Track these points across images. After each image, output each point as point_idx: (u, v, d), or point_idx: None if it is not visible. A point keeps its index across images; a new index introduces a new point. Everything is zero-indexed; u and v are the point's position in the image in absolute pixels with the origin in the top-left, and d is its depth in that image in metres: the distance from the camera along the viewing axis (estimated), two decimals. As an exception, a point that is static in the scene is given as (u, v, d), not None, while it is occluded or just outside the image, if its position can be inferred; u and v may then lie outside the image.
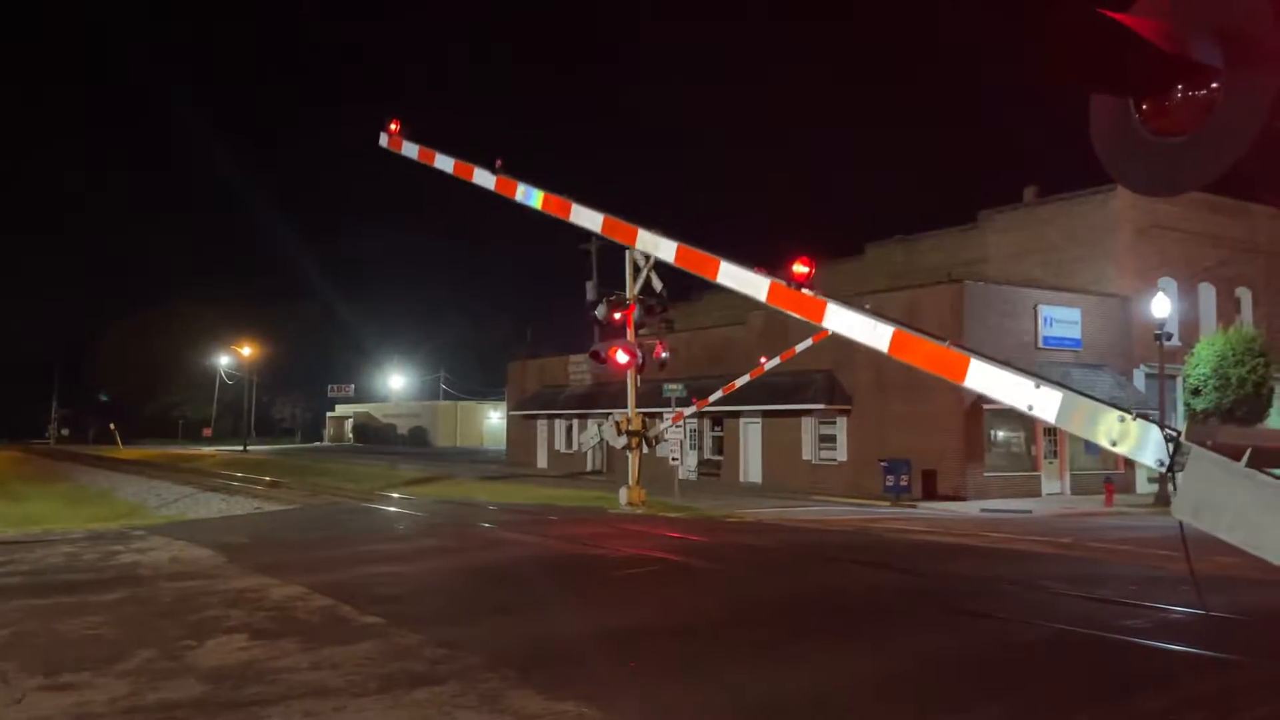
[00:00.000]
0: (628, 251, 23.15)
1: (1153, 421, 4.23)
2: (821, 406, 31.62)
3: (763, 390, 33.99)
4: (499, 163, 11.04)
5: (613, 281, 25.42)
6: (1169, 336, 27.57)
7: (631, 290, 22.46)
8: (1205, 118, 2.39)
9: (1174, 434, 4.07)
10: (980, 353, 5.47)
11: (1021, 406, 4.84)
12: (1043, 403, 4.74)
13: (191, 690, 6.14)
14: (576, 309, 24.51)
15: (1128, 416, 4.31)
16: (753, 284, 7.17)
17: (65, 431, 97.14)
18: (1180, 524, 4.04)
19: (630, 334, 22.03)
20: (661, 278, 22.68)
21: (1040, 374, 5.22)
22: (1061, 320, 30.58)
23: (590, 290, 23.19)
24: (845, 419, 31.45)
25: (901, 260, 40.03)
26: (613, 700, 5.93)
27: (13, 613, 8.74)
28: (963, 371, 5.13)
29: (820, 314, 6.21)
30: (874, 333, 5.80)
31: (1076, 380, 29.88)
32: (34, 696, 5.99)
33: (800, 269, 6.47)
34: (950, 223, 39.61)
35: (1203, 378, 30.58)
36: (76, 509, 27.36)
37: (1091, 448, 31.14)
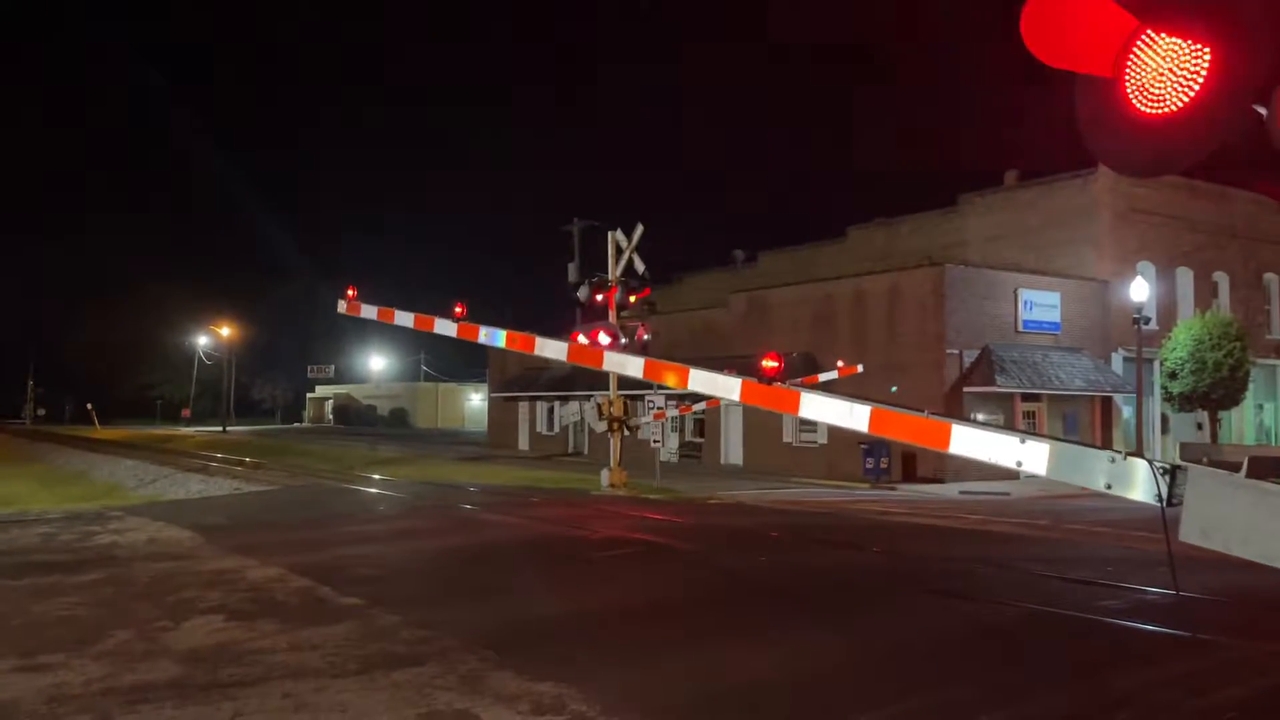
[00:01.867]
0: (610, 234, 23.12)
1: (1144, 458, 4.20)
2: (801, 388, 31.72)
3: (744, 372, 34.09)
4: (460, 310, 11.29)
5: (595, 264, 25.42)
6: (1147, 320, 27.79)
7: (613, 272, 22.43)
8: (1192, 98, 2.38)
9: (1167, 467, 4.04)
10: (960, 418, 5.48)
11: (1010, 464, 4.82)
12: (1030, 457, 4.71)
13: (168, 671, 6.10)
14: (558, 291, 24.44)
15: (1118, 456, 4.28)
16: (725, 386, 7.23)
17: (42, 412, 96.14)
18: (1161, 505, 4.02)
19: (612, 316, 22.01)
20: (644, 259, 22.67)
21: (1023, 430, 5.22)
22: (1041, 304, 30.75)
23: (572, 272, 23.17)
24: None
25: (883, 243, 40.10)
26: (592, 681, 5.94)
27: (-14, 594, 8.66)
28: (946, 438, 5.12)
29: (795, 405, 6.24)
30: (851, 415, 5.80)
31: (1055, 363, 30.11)
32: (8, 678, 5.93)
33: (770, 364, 6.49)
34: (931, 206, 39.70)
35: (1180, 361, 30.87)
36: (53, 489, 27.15)
37: (1070, 429, 31.44)
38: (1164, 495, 3.94)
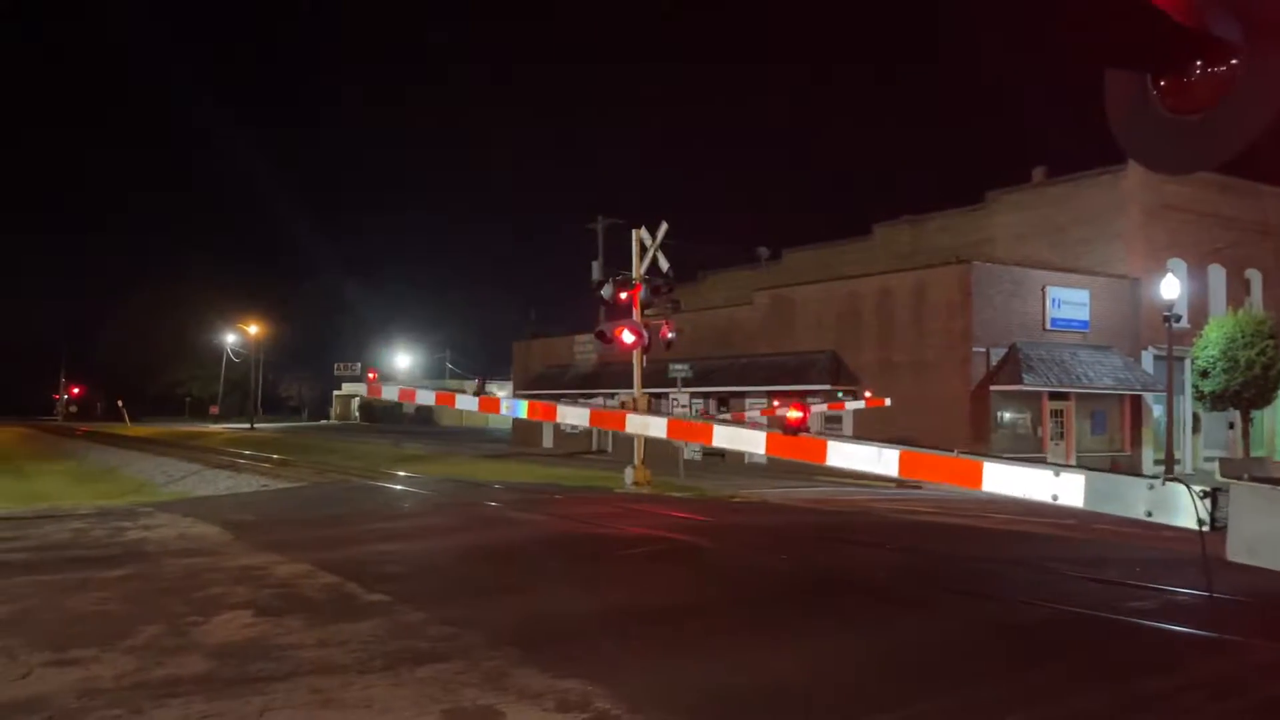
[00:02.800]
0: (634, 231, 23.12)
1: (1183, 482, 4.14)
2: (827, 387, 31.59)
3: (768, 371, 33.99)
4: (480, 381, 11.81)
5: (619, 261, 25.43)
6: (1178, 318, 27.47)
7: (637, 270, 22.43)
8: (1224, 94, 2.35)
9: (1207, 490, 3.97)
10: (991, 454, 5.45)
11: (1045, 498, 4.76)
12: (1066, 489, 4.65)
13: (197, 666, 6.16)
14: (582, 289, 24.47)
15: (1156, 483, 4.22)
16: (750, 440, 7.25)
17: (74, 408, 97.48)
18: (1202, 530, 3.95)
19: (636, 314, 22.00)
20: (668, 257, 22.66)
21: (1058, 463, 5.18)
22: (1069, 301, 30.45)
23: (596, 270, 23.13)
24: (851, 399, 31.47)
25: (909, 241, 39.85)
26: (616, 678, 5.95)
27: (19, 588, 8.79)
28: (978, 477, 5.07)
29: (823, 454, 6.24)
30: (880, 459, 5.79)
31: (1084, 361, 29.83)
32: (40, 672, 6.01)
33: (794, 414, 6.49)
34: (958, 204, 39.40)
35: (1211, 360, 30.47)
36: (84, 486, 27.49)
37: (1098, 428, 31.17)
38: (1206, 520, 3.88)
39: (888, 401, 25.53)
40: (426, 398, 13.58)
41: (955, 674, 6.46)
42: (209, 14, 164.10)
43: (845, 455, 6.17)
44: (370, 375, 14.10)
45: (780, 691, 5.99)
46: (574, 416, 9.91)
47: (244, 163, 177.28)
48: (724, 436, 7.50)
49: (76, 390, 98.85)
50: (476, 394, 11.49)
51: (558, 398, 47.12)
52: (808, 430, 6.48)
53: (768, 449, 6.77)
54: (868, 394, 27.00)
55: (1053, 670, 6.66)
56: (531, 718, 5.22)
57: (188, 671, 6.04)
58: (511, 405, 11.10)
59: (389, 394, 14.25)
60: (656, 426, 8.45)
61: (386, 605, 8.13)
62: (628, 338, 21.18)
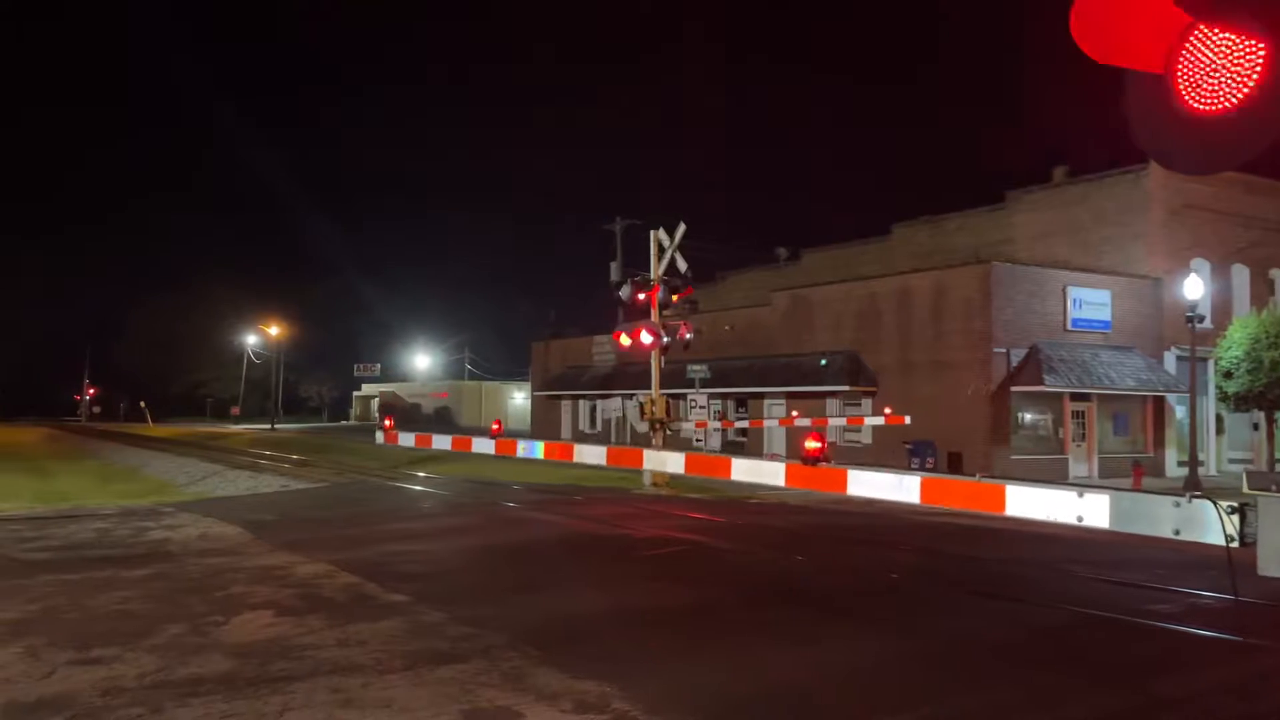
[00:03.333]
0: (652, 232, 23.13)
1: (1209, 499, 4.08)
2: (846, 388, 31.47)
3: (787, 371, 33.91)
4: (496, 428, 12.31)
5: (637, 262, 25.45)
6: (1201, 318, 27.18)
7: (656, 271, 22.42)
8: (1246, 94, 2.33)
9: (1235, 505, 3.93)
10: (1013, 478, 5.43)
11: (1070, 520, 4.72)
12: (1090, 510, 4.59)
13: (219, 666, 6.21)
14: (600, 290, 24.48)
15: (1183, 500, 4.17)
16: (770, 472, 7.35)
17: (97, 409, 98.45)
18: (1229, 546, 3.91)
19: (654, 315, 22.01)
20: (686, 258, 22.64)
21: (1080, 483, 5.16)
22: (1091, 302, 30.21)
23: (615, 271, 23.18)
24: (870, 400, 31.29)
25: (928, 241, 39.65)
26: (633, 679, 5.95)
27: (44, 587, 8.88)
28: (1001, 501, 5.04)
29: (843, 483, 6.28)
30: (901, 487, 5.80)
31: (1106, 361, 29.61)
32: (65, 670, 6.08)
33: (812, 445, 6.55)
34: (977, 203, 39.17)
35: (1235, 360, 30.14)
36: (107, 485, 27.70)
37: (1120, 429, 30.90)
38: (1235, 536, 3.84)
39: (908, 419, 25.58)
40: (443, 443, 14.15)
41: (975, 675, 6.43)
42: (232, 11, 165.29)
43: (866, 484, 6.22)
44: (387, 423, 14.91)
45: (799, 692, 5.98)
46: (592, 456, 10.10)
47: (265, 165, 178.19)
48: (744, 470, 7.59)
49: (99, 391, 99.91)
50: (494, 438, 12.02)
51: (576, 398, 47.19)
52: (827, 460, 6.52)
53: (788, 481, 6.85)
54: (888, 410, 26.99)
55: (1075, 672, 6.62)
56: (550, 718, 5.24)
57: (209, 671, 6.09)
58: (528, 447, 11.62)
59: (405, 441, 14.99)
60: (674, 463, 8.58)
61: (406, 605, 8.17)
62: (646, 339, 21.19)
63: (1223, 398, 31.38)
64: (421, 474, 27.98)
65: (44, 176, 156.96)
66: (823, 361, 28.24)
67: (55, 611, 7.87)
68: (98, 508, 17.23)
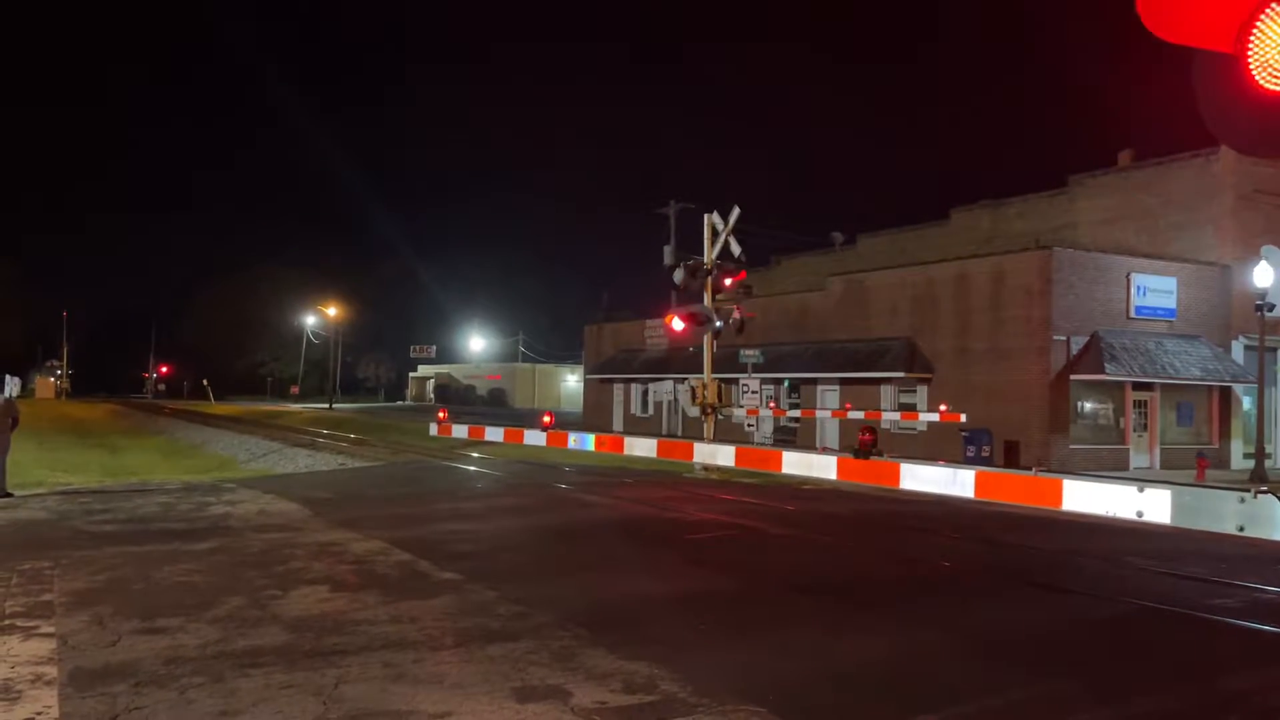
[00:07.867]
0: (706, 216, 23.02)
1: (1275, 494, 3.95)
2: (901, 375, 31.11)
3: (841, 357, 33.62)
4: (548, 420, 12.48)
5: (691, 246, 25.34)
6: (1271, 307, 26.38)
7: (709, 255, 22.33)
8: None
9: None
10: (1071, 469, 5.32)
11: (1130, 515, 4.59)
12: (1151, 505, 4.46)
13: (276, 638, 6.36)
14: (654, 272, 24.47)
15: (1248, 495, 4.04)
16: (821, 465, 7.25)
17: (162, 387, 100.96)
18: None
19: (708, 299, 21.94)
20: (740, 242, 22.50)
21: (1140, 478, 5.03)
22: (1155, 289, 29.46)
23: (668, 255, 23.09)
24: (925, 387, 30.91)
25: (988, 226, 38.96)
26: (682, 661, 5.97)
27: (111, 558, 9.17)
28: (1058, 496, 4.92)
29: (896, 477, 6.18)
30: (955, 481, 5.69)
31: (1170, 350, 28.90)
32: (130, 639, 6.27)
33: (864, 438, 6.47)
34: (1038, 188, 38.36)
35: (1305, 350, 29.26)
36: (171, 461, 28.45)
37: (1184, 419, 30.16)
38: None
39: (963, 417, 25.33)
40: (496, 434, 14.43)
41: (1034, 666, 6.34)
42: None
43: (919, 479, 6.14)
44: (441, 414, 15.28)
45: (850, 680, 5.95)
46: (642, 449, 10.12)
47: (327, 149, 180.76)
48: (794, 463, 7.51)
49: (165, 369, 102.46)
50: (545, 430, 12.17)
51: (628, 382, 47.29)
52: (880, 454, 6.46)
53: (839, 474, 6.79)
54: (943, 407, 26.69)
55: (1136, 666, 6.50)
56: (599, 697, 5.28)
57: (267, 643, 6.24)
58: (580, 439, 11.70)
59: (459, 433, 15.42)
60: (725, 455, 8.53)
61: (458, 583, 8.28)
62: (697, 323, 21.15)
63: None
64: (475, 454, 28.28)
65: (114, 157, 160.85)
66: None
67: (121, 582, 8.11)
68: (162, 483, 17.70)
